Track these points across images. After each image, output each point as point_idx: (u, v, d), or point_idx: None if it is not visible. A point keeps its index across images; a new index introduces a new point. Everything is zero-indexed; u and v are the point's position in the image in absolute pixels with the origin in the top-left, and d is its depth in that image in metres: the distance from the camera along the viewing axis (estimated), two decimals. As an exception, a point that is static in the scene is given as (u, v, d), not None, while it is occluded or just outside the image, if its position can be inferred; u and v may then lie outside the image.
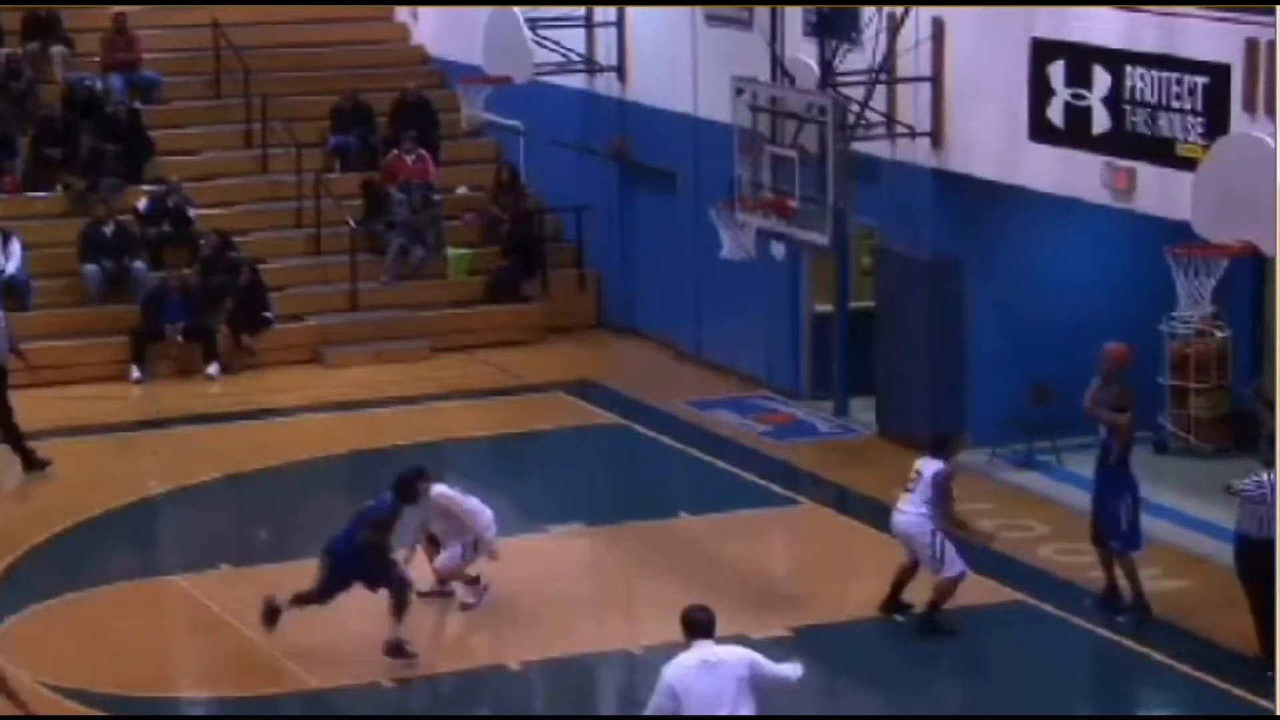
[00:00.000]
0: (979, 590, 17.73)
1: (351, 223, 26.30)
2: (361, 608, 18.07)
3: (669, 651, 16.44)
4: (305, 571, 18.62)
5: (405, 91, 28.08)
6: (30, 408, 21.89)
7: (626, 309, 26.36)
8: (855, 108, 20.55)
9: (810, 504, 20.27)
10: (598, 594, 18.39)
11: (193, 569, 18.51)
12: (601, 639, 17.23)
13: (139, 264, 25.22)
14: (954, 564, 16.78)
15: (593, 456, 22.36)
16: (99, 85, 27.28)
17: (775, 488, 20.62)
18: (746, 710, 12.26)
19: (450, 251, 26.76)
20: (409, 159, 26.90)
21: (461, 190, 27.66)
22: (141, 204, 26.02)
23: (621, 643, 17.03)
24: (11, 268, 24.75)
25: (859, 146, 20.72)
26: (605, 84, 26.01)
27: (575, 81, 26.11)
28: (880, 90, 20.89)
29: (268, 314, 25.17)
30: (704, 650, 12.32)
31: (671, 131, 24.76)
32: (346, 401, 23.58)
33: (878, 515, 19.47)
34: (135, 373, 24.37)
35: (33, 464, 21.03)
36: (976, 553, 18.45)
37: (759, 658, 12.40)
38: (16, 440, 21.07)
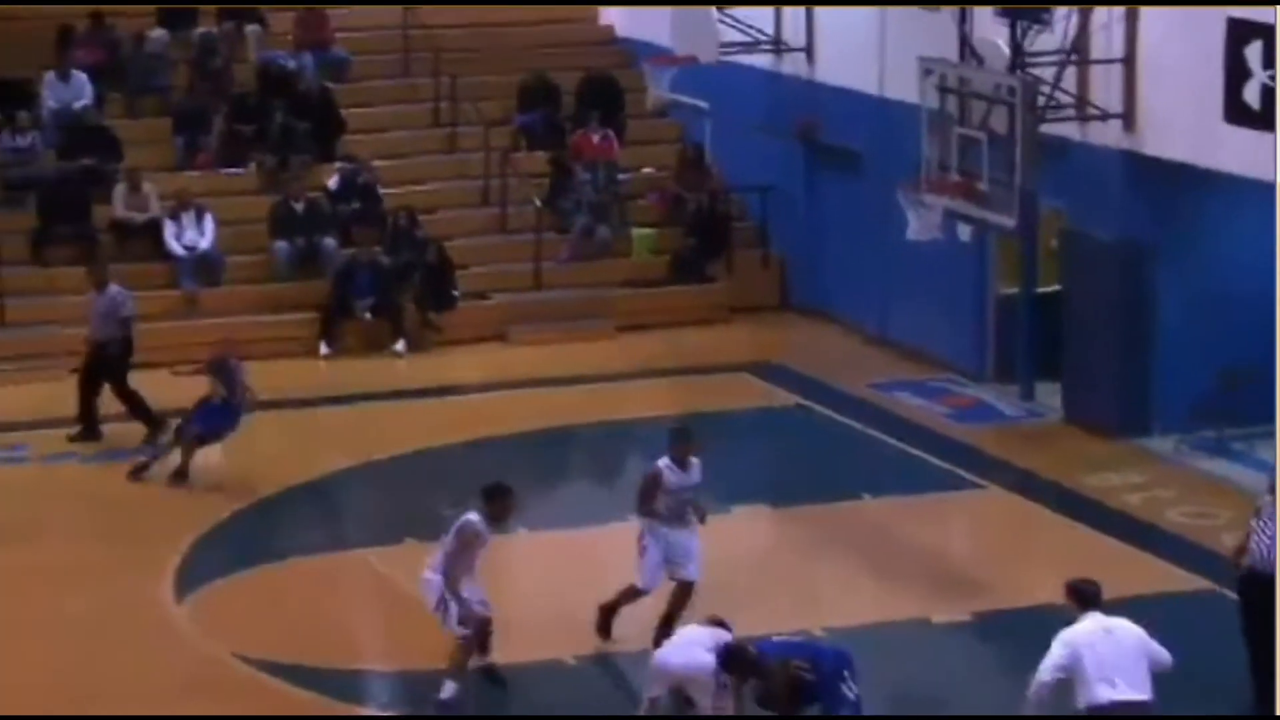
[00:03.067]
0: (1169, 578, 17.54)
1: (537, 201, 26.44)
2: (548, 584, 18.21)
3: (849, 633, 16.61)
4: (501, 546, 18.77)
5: (592, 70, 28.17)
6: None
7: (811, 290, 26.29)
8: (1045, 89, 20.35)
9: (994, 488, 20.12)
10: (779, 575, 18.35)
11: (379, 543, 18.72)
12: (782, 620, 17.15)
13: (329, 241, 25.51)
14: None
15: (775, 437, 22.34)
16: (291, 64, 27.63)
17: (959, 471, 20.49)
18: (1145, 673, 12.89)
19: (634, 231, 26.82)
20: (594, 138, 26.99)
21: (646, 170, 27.71)
22: (332, 181, 26.32)
23: (802, 624, 16.98)
24: (205, 243, 25.14)
25: (1048, 128, 20.51)
26: (792, 64, 25.94)
27: (762, 61, 26.08)
28: (1071, 71, 20.67)
29: (454, 292, 25.37)
30: (1100, 619, 12.93)
31: (858, 112, 24.65)
32: (530, 380, 23.72)
33: (1062, 501, 19.33)
34: (324, 349, 24.67)
35: (77, 436, 21.21)
36: (1166, 540, 18.27)
37: (1144, 632, 13.00)
38: (135, 411, 21.26)
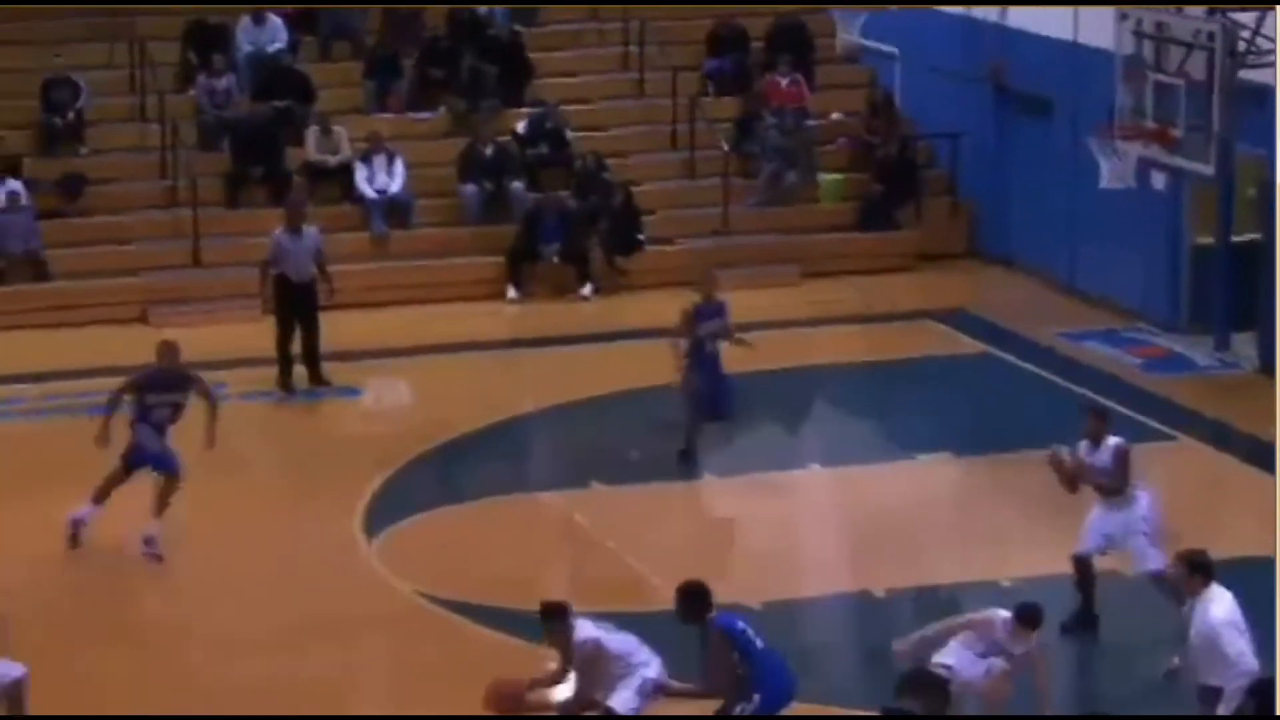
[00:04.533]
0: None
1: (724, 146, 26.39)
2: (735, 530, 18.26)
3: (1034, 584, 16.48)
4: (675, 492, 18.91)
5: (781, 16, 28.04)
6: (411, 325, 22.48)
7: (999, 238, 26.05)
8: (1245, 34, 19.98)
9: (1185, 440, 19.85)
10: (964, 524, 18.26)
11: (564, 486, 18.84)
12: (967, 569, 17.12)
13: (516, 185, 25.64)
14: None
15: (961, 385, 22.19)
16: (482, 9, 27.75)
17: (1149, 422, 20.24)
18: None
19: (822, 177, 26.70)
20: (783, 83, 26.88)
21: (835, 115, 27.55)
22: (520, 125, 26.43)
23: (987, 574, 16.90)
24: (395, 186, 25.36)
25: (1247, 74, 20.14)
26: (984, 9, 25.66)
27: (953, 6, 25.81)
28: (1271, 16, 20.26)
29: (640, 236, 25.41)
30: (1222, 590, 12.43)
31: (1050, 58, 24.35)
32: (718, 324, 23.67)
33: (1257, 453, 19.03)
34: (512, 292, 24.82)
35: (319, 379, 21.39)
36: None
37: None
38: (311, 355, 21.35)
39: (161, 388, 17.33)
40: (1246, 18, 20.10)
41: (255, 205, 25.21)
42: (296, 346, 21.37)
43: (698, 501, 19.09)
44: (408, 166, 25.50)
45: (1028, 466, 18.94)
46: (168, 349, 17.60)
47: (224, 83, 26.11)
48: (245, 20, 26.80)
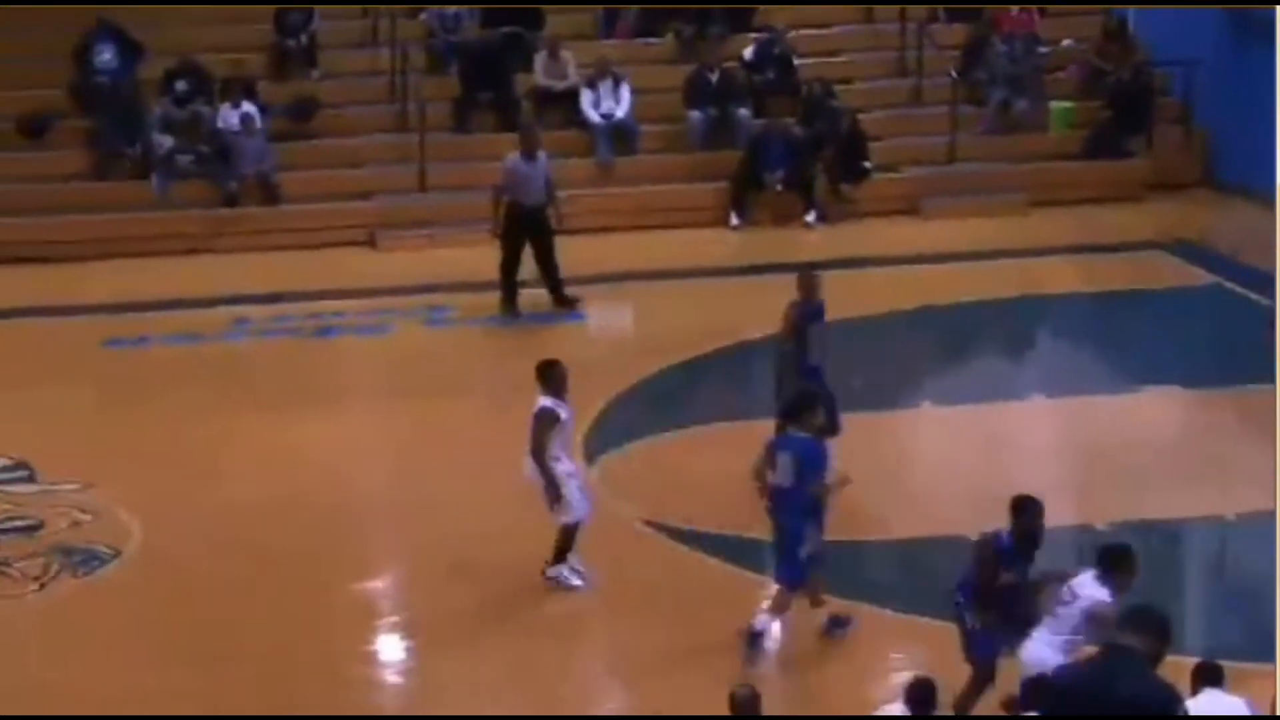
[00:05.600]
0: None
1: (953, 73, 26.14)
2: (950, 460, 18.18)
3: (1261, 519, 16.23)
4: (894, 421, 18.79)
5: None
6: (634, 250, 22.60)
7: (1236, 167, 25.55)
8: None
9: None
10: (1191, 458, 18.01)
11: (753, 417, 18.77)
12: (1194, 504, 16.91)
13: (743, 111, 25.60)
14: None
15: (1191, 318, 21.87)
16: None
17: None
18: None
19: (1052, 105, 26.36)
20: (1014, 9, 26.54)
21: (1066, 42, 27.17)
22: (747, 51, 26.37)
23: (1213, 509, 16.69)
24: (621, 112, 25.45)
25: None
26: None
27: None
28: None
29: (866, 164, 25.27)
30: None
31: (1290, -17, 23.76)
32: (942, 254, 23.55)
33: None
34: (735, 219, 24.82)
35: (564, 301, 21.53)
36: None
37: None
38: (553, 278, 21.51)
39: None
40: None
41: (483, 130, 25.45)
42: (523, 272, 21.53)
43: (919, 431, 19.02)
44: (634, 92, 25.56)
45: (1256, 399, 18.66)
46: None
47: (454, 8, 26.33)
48: (477, -55, 27.00)
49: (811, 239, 24.40)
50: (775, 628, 14.55)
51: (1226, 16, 25.29)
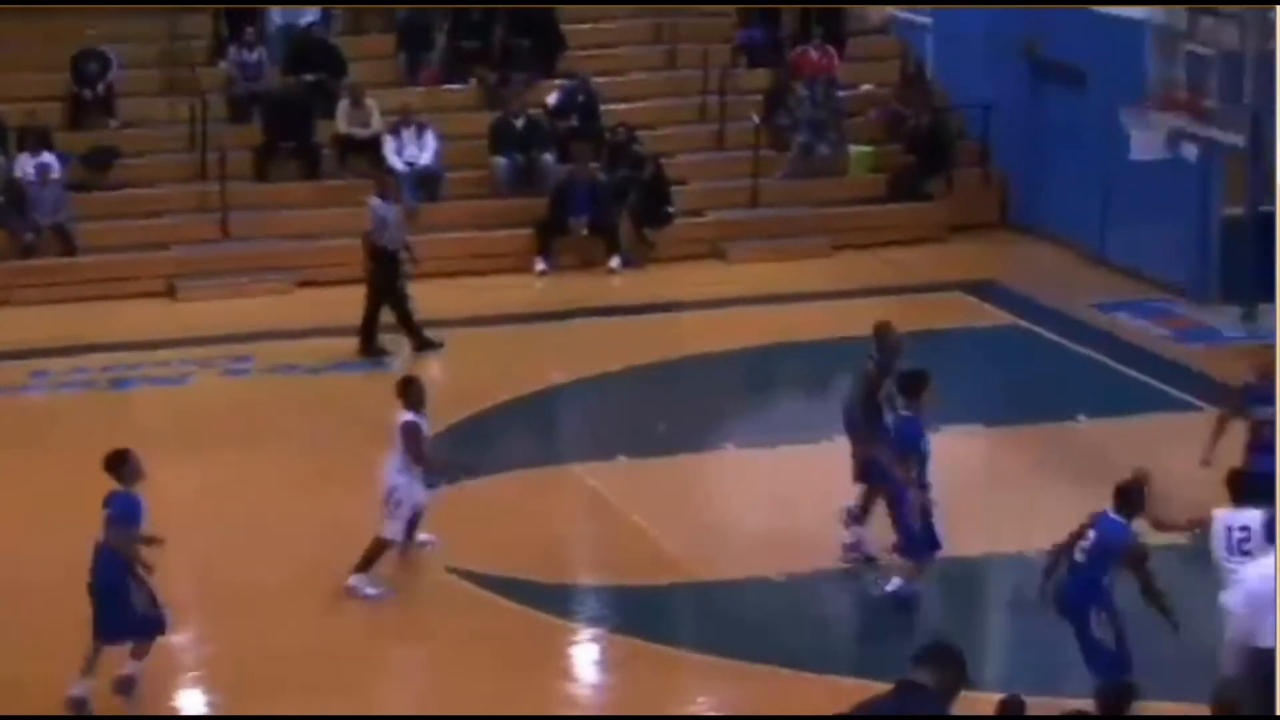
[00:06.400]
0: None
1: (755, 118, 26.32)
2: (757, 502, 18.22)
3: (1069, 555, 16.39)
4: (698, 463, 18.87)
5: (812, -13, 27.94)
6: (437, 297, 22.48)
7: (1031, 209, 25.94)
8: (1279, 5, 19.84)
9: (1211, 410, 19.72)
10: (993, 495, 18.20)
11: (591, 458, 18.82)
12: (996, 541, 17.06)
13: (547, 157, 25.61)
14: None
15: (991, 357, 22.12)
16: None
17: (1178, 393, 20.16)
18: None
19: (853, 148, 26.62)
20: (814, 54, 26.78)
21: (866, 87, 27.46)
22: (552, 98, 26.39)
23: (1016, 545, 16.85)
24: (426, 158, 25.35)
25: None
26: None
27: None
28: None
29: (670, 209, 25.36)
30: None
31: (1083, 28, 24.20)
32: (746, 297, 23.68)
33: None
34: (541, 265, 24.80)
35: (424, 344, 21.56)
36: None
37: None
38: (408, 323, 21.66)
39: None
40: (1278, -14, 19.95)
41: (285, 179, 25.25)
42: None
43: (721, 473, 19.07)
44: (439, 139, 25.48)
45: (1056, 436, 18.93)
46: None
47: (255, 55, 26.13)
48: (277, -8, 26.82)
49: (616, 284, 24.43)
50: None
51: (1023, 62, 25.66)
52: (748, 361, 21.83)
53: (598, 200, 25.04)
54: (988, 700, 11.78)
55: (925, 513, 15.62)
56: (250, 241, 24.43)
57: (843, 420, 17.05)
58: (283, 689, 14.56)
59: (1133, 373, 20.89)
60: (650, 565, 16.63)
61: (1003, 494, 18.24)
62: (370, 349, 21.62)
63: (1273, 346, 17.24)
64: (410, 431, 15.82)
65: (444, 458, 16.84)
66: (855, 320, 22.95)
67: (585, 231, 24.96)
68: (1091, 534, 13.89)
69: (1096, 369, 21.26)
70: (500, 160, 25.56)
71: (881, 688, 9.59)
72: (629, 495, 17.94)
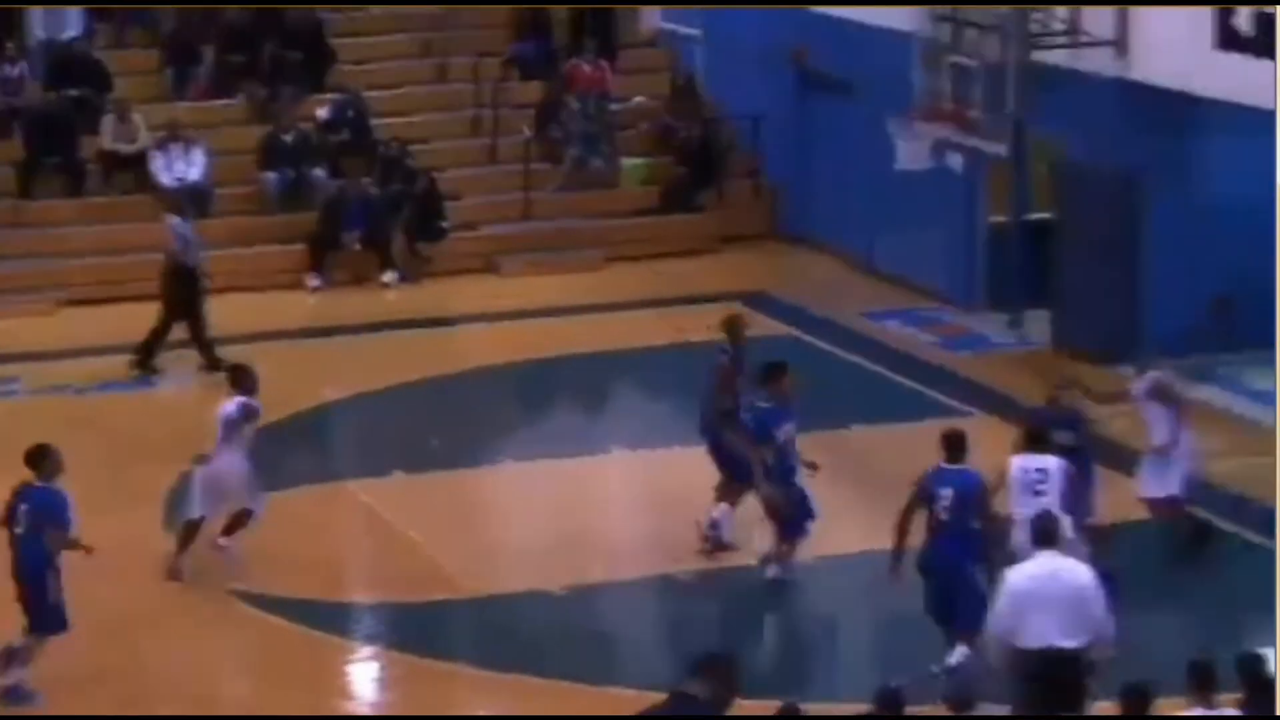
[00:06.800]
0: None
1: (527, 131, 26.32)
2: (536, 515, 18.21)
3: (839, 561, 16.61)
4: (476, 479, 18.81)
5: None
6: (212, 314, 22.19)
7: (802, 219, 26.19)
8: (1038, 17, 20.22)
9: (981, 415, 20.07)
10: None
11: (367, 475, 18.69)
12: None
13: (318, 172, 25.41)
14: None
15: (765, 367, 22.25)
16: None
17: (947, 399, 20.46)
18: (1081, 621, 12.58)
19: (625, 161, 26.71)
20: (586, 68, 26.83)
21: (638, 99, 27.56)
22: (322, 112, 26.19)
23: (799, 552, 16.98)
24: (194, 175, 25.03)
25: (1041, 56, 20.39)
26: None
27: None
28: (1061, -4, 20.54)
29: (443, 223, 25.28)
30: (1049, 561, 12.69)
31: (851, 40, 24.47)
32: (520, 311, 23.65)
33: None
34: (313, 280, 24.60)
35: (216, 364, 21.35)
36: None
37: (1097, 592, 12.71)
38: (203, 342, 21.49)
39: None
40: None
41: (49, 195, 24.79)
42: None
43: (499, 488, 19.04)
44: (208, 154, 25.16)
45: (830, 445, 19.10)
46: None
47: (16, 70, 25.62)
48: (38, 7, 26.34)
49: (390, 299, 24.29)
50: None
51: (792, 73, 25.91)
52: (523, 375, 21.81)
53: (370, 215, 24.89)
54: (766, 708, 11.85)
55: (788, 501, 16.10)
56: (13, 261, 23.94)
57: (700, 420, 17.35)
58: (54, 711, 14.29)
59: (903, 380, 21.16)
60: (427, 581, 16.56)
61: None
62: (146, 365, 21.36)
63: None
64: (252, 411, 16.55)
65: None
66: (629, 332, 23.15)
67: (358, 246, 24.79)
68: (947, 491, 14.36)
69: (867, 377, 21.52)
70: (270, 175, 25.31)
71: (659, 698, 9.64)
72: (405, 511, 17.85)
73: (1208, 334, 20.44)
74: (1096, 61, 20.77)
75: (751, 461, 16.23)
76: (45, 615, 14.41)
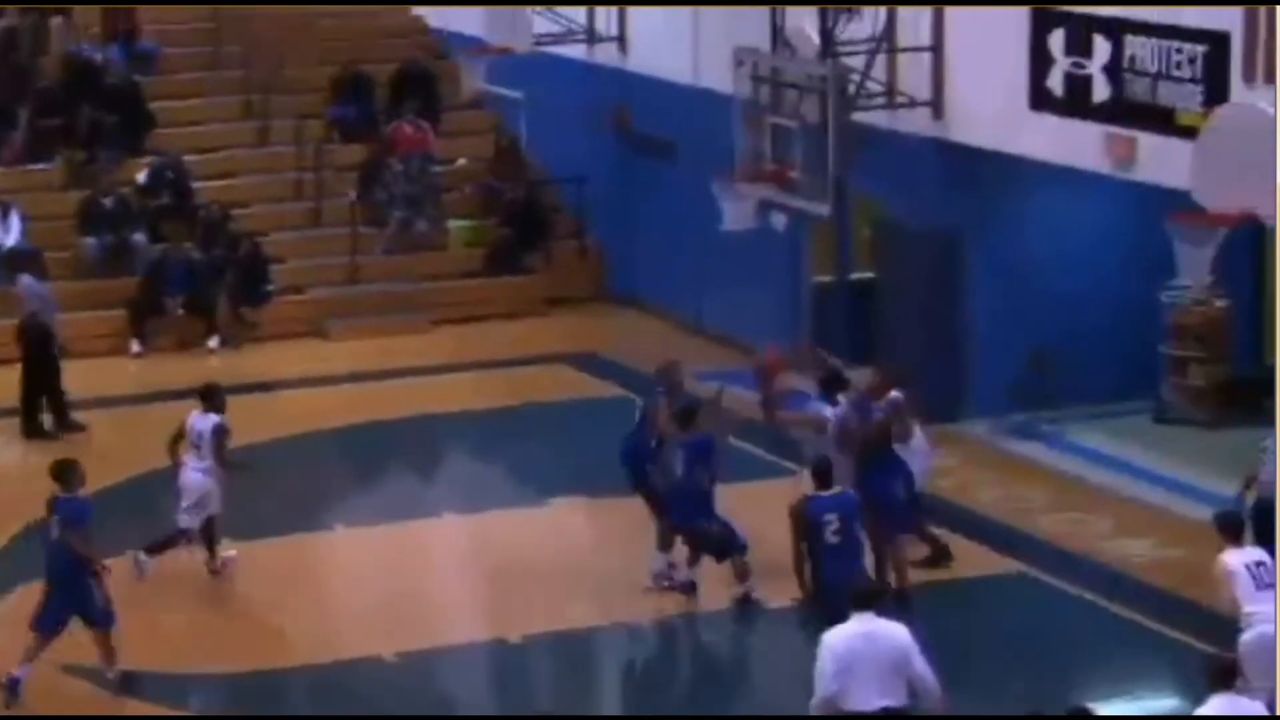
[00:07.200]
0: (981, 560, 17.77)
1: (351, 194, 26.26)
2: (369, 580, 18.12)
3: (673, 623, 16.68)
4: (307, 545, 18.70)
5: (406, 62, 28.01)
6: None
7: (629, 280, 26.32)
8: (856, 78, 20.52)
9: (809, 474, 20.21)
10: (601, 567, 18.35)
11: (196, 543, 18.46)
12: (606, 612, 17.22)
13: (139, 236, 25.20)
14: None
15: (595, 428, 22.26)
16: (99, 56, 27.21)
17: (775, 458, 20.59)
18: (900, 683, 12.62)
19: (451, 223, 26.72)
20: (409, 130, 26.83)
21: (462, 161, 27.61)
22: (141, 176, 25.98)
23: (625, 616, 17.04)
24: (11, 240, 24.71)
25: (860, 116, 20.67)
26: (606, 54, 25.95)
27: (576, 52, 26.06)
28: (881, 60, 20.84)
29: (268, 286, 25.14)
30: (866, 622, 12.68)
31: (673, 102, 24.69)
32: (347, 374, 23.55)
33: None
34: (135, 346, 24.36)
35: (71, 426, 21.32)
36: (979, 523, 18.52)
37: (916, 650, 12.72)
38: (59, 403, 21.58)
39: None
40: (856, 61, 20.63)
41: None
42: None
43: (333, 553, 18.92)
44: (24, 219, 24.86)
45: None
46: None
47: None
48: None
49: (215, 364, 24.07)
50: None
51: (615, 135, 26.07)
52: (352, 439, 21.70)
53: (193, 280, 24.70)
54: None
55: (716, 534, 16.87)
56: None
57: (626, 464, 17.86)
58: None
59: (732, 440, 21.26)
60: (260, 649, 16.42)
61: (612, 562, 18.38)
62: (33, 428, 21.50)
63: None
64: (221, 431, 17.47)
65: (237, 458, 17.89)
66: (457, 395, 23.11)
67: (181, 311, 24.59)
68: (832, 516, 15.26)
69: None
70: (90, 241, 25.06)
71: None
72: (236, 578, 17.68)
73: (1028, 390, 20.78)
74: (915, 122, 21.12)
75: (672, 498, 17.04)
76: (95, 613, 15.58)
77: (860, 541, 15.59)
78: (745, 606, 16.90)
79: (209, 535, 17.67)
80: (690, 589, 17.12)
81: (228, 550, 17.79)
